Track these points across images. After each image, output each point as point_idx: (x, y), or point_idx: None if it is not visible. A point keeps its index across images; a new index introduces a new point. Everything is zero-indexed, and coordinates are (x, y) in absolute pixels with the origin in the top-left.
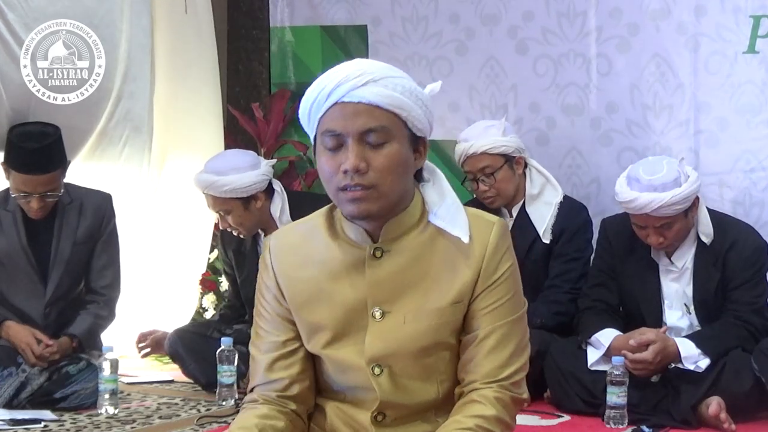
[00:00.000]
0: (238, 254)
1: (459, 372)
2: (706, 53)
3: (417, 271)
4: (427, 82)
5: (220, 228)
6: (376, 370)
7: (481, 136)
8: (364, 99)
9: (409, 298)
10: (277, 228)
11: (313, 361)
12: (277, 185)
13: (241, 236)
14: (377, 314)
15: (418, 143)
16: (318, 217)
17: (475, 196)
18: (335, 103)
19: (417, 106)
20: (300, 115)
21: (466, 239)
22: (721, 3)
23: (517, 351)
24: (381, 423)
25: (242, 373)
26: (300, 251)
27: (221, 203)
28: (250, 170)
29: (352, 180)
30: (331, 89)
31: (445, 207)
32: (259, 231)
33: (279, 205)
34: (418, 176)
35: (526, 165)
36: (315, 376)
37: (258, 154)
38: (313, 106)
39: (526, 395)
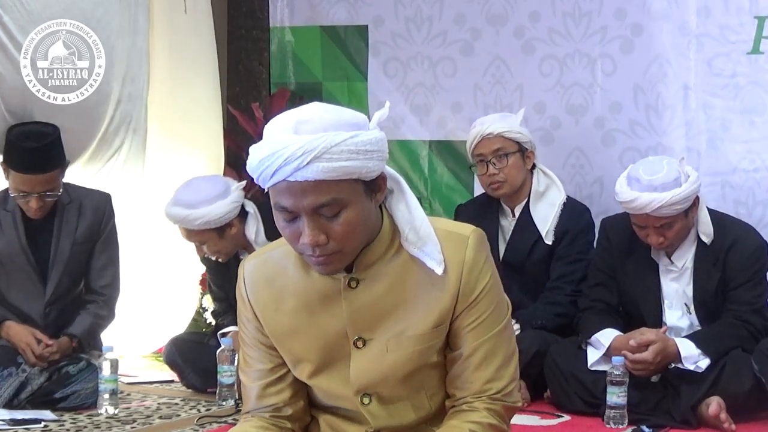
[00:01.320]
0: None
1: (448, 387)
2: (710, 54)
3: (394, 297)
4: (430, 82)
5: (198, 255)
6: (365, 400)
7: (499, 121)
8: (309, 177)
9: (390, 324)
10: (254, 249)
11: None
12: (251, 207)
13: (220, 260)
14: (359, 343)
15: (376, 181)
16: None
17: (481, 185)
18: (282, 180)
19: (367, 159)
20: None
21: (440, 271)
22: (725, 4)
23: (505, 362)
24: None
25: None
26: (274, 283)
27: (195, 235)
28: (220, 200)
29: (313, 252)
30: (273, 171)
31: (414, 231)
32: (239, 251)
33: (254, 227)
34: None
35: (534, 166)
36: (307, 393)
37: None
38: (259, 178)
39: (520, 403)
